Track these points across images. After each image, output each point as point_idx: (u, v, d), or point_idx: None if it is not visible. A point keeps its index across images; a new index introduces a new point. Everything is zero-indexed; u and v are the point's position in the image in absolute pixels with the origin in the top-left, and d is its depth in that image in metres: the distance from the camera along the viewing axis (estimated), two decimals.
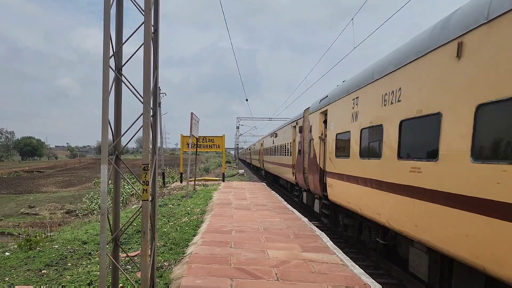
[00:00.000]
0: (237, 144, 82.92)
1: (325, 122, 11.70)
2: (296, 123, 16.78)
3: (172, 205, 13.53)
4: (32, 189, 49.67)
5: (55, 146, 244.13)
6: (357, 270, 6.02)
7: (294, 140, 17.43)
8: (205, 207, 12.58)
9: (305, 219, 10.56)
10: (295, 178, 16.64)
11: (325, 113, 11.68)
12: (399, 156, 6.31)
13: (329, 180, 10.74)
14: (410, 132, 6.12)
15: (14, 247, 8.13)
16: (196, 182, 20.30)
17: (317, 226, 10.24)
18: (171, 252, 7.02)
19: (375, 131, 7.49)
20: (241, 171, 44.77)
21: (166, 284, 5.26)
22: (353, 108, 8.82)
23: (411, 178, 5.83)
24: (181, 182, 24.75)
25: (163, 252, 7.01)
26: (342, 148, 9.64)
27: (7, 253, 7.40)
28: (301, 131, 15.37)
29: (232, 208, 12.35)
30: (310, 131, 13.60)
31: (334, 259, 6.58)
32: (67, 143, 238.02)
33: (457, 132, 4.76)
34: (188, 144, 18.37)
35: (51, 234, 9.80)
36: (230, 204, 13.23)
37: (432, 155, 5.32)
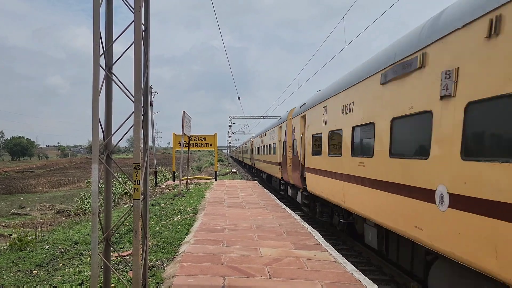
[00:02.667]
0: (230, 143, 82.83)
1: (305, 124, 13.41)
2: (281, 125, 18.49)
3: (165, 204, 13.49)
4: (23, 189, 49.12)
5: (46, 145, 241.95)
6: (349, 267, 6.07)
7: (280, 140, 18.80)
8: (197, 205, 12.56)
9: (298, 217, 10.60)
10: (281, 174, 18.22)
11: (304, 117, 13.44)
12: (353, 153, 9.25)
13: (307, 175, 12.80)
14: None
15: (4, 248, 8.05)
16: (188, 180, 20.25)
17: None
18: (164, 251, 7.00)
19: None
20: (233, 169, 44.71)
21: (158, 283, 5.25)
22: (323, 114, 10.94)
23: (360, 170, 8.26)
24: (173, 181, 24.67)
25: (155, 251, 6.99)
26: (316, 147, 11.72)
27: None
28: (285, 132, 17.01)
29: (225, 206, 12.35)
30: (293, 132, 15.28)
31: (326, 256, 6.62)
32: (58, 143, 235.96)
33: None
34: (180, 143, 18.32)
35: (42, 234, 9.71)
36: (222, 203, 13.22)
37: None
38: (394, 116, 6.36)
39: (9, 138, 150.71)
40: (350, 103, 8.70)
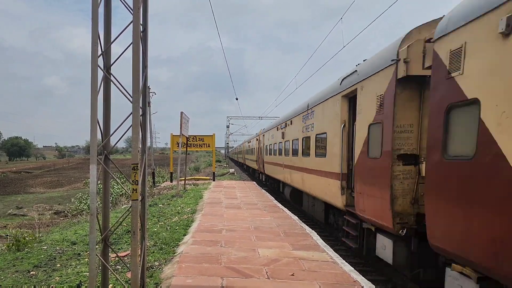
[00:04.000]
0: (227, 143, 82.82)
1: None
2: (257, 137, 29.90)
3: (163, 204, 13.47)
4: (20, 190, 48.91)
5: (43, 146, 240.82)
6: (347, 268, 6.08)
7: (257, 146, 29.89)
8: (195, 206, 12.56)
9: (296, 218, 10.61)
10: (257, 166, 29.56)
11: (263, 135, 25.10)
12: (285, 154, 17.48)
13: (265, 165, 23.88)
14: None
15: (2, 249, 8.03)
16: (186, 181, 20.24)
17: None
18: (162, 252, 7.00)
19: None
20: (231, 170, 44.73)
21: (157, 284, 5.25)
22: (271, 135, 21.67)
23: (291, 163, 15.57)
24: (171, 182, 24.62)
25: (153, 252, 6.98)
26: (269, 151, 22.29)
27: None
28: (259, 142, 28.35)
29: (223, 207, 12.35)
30: (260, 143, 27.04)
31: (324, 257, 6.63)
32: (56, 143, 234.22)
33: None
34: (178, 144, 18.30)
35: (40, 235, 9.69)
36: (220, 203, 13.22)
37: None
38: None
39: (6, 139, 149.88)
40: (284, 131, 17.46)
